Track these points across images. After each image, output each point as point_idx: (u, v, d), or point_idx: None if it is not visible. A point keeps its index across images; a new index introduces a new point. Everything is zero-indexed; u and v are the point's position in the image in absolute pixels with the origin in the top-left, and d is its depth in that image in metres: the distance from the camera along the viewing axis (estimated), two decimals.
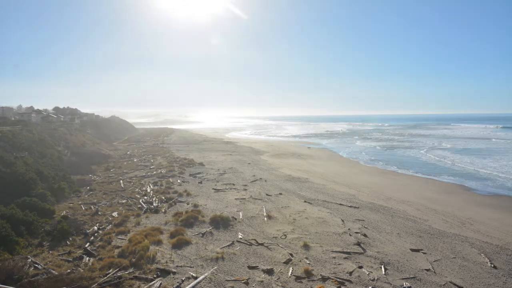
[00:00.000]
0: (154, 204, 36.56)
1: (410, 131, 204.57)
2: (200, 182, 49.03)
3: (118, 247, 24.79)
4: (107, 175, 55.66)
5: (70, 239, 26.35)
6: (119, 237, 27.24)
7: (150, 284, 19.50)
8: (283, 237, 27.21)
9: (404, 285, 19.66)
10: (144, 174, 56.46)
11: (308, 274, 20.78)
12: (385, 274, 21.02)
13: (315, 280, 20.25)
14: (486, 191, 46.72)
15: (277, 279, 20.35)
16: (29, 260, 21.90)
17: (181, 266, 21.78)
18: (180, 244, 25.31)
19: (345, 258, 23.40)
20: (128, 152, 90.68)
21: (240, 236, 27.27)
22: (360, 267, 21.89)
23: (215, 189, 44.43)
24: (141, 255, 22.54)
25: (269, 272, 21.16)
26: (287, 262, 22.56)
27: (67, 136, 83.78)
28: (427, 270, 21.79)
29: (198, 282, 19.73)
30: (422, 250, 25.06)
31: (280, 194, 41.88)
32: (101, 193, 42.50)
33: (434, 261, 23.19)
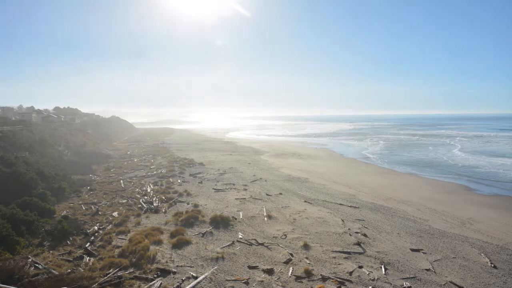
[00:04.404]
0: (154, 204, 36.58)
1: (412, 130, 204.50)
2: (200, 182, 49.05)
3: (118, 247, 24.82)
4: (108, 175, 55.68)
5: (71, 239, 26.37)
6: (119, 237, 27.26)
7: (150, 284, 19.52)
8: (283, 237, 27.22)
9: (404, 285, 19.67)
10: (144, 174, 56.49)
11: (308, 274, 20.78)
12: (385, 274, 21.02)
13: (315, 280, 20.26)
14: (487, 191, 46.72)
15: (277, 279, 20.36)
16: (30, 260, 21.92)
17: (181, 266, 21.80)
18: (180, 244, 25.32)
19: (345, 258, 23.40)
20: (128, 152, 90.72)
21: (240, 236, 27.27)
22: (360, 267, 21.89)
23: (215, 189, 44.45)
24: (141, 255, 22.56)
25: (269, 272, 21.16)
26: (287, 262, 22.56)
27: (67, 136, 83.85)
28: (427, 270, 21.78)
29: (198, 282, 19.75)
30: (422, 250, 25.05)
31: (280, 194, 41.89)
32: (101, 193, 42.50)
33: (434, 261, 23.19)
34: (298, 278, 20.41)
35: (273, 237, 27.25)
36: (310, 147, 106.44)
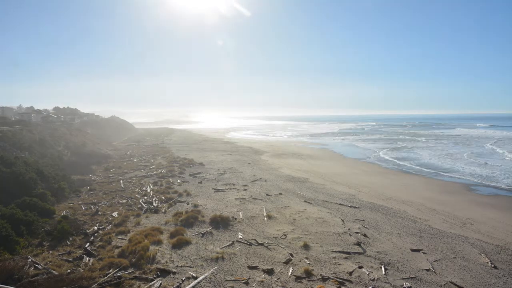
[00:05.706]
0: (154, 204, 36.56)
1: (415, 130, 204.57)
2: (200, 182, 49.02)
3: (118, 247, 24.80)
4: (107, 175, 55.67)
5: (70, 239, 26.36)
6: (119, 237, 27.25)
7: (150, 284, 19.50)
8: (283, 237, 27.20)
9: (404, 285, 19.65)
10: (144, 174, 56.46)
11: (308, 274, 20.76)
12: (385, 274, 21.01)
13: (315, 280, 20.24)
14: (487, 191, 46.70)
15: (277, 279, 20.34)
16: (29, 260, 21.92)
17: (181, 266, 21.78)
18: (180, 244, 25.31)
19: (345, 258, 23.39)
20: (128, 152, 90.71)
21: (240, 236, 27.26)
22: (360, 267, 21.88)
23: (215, 189, 44.43)
24: (141, 255, 22.54)
25: (269, 272, 21.15)
26: (287, 262, 22.55)
27: (67, 136, 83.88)
28: (427, 270, 21.77)
29: (198, 282, 19.73)
30: (422, 250, 25.04)
31: (280, 194, 41.86)
32: (101, 193, 42.49)
33: (434, 261, 23.18)
34: (298, 278, 20.40)
35: (273, 237, 27.23)
36: (310, 147, 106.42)
